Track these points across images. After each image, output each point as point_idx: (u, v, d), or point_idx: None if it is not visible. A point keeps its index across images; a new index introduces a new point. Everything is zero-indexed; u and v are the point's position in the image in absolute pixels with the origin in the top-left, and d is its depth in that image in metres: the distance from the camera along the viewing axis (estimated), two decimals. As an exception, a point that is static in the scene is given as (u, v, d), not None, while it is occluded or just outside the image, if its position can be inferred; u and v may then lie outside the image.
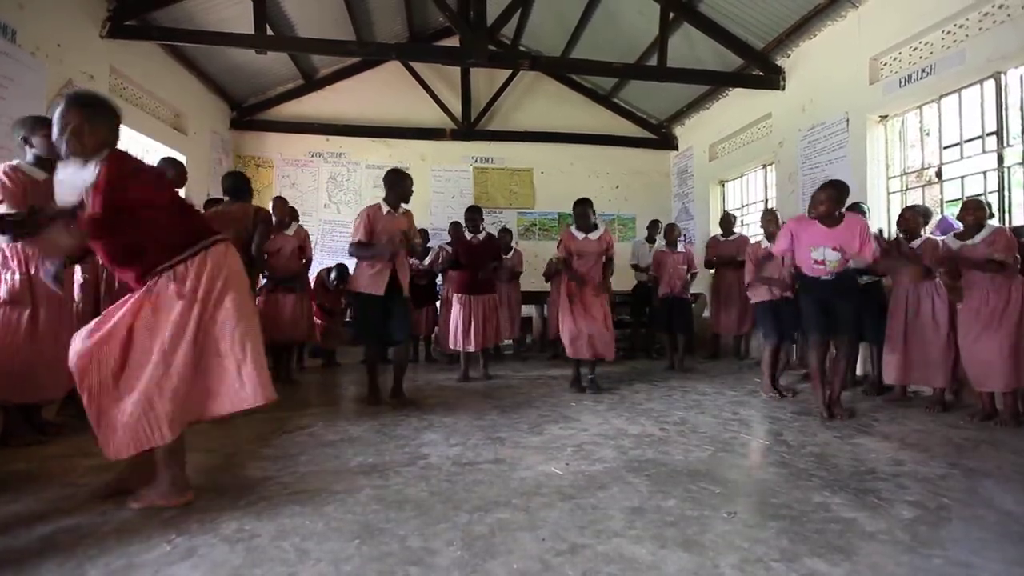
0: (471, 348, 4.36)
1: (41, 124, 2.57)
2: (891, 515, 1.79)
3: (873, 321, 3.74)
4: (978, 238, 3.13)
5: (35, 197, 2.48)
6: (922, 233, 3.57)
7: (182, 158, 5.96)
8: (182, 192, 3.81)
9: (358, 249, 3.45)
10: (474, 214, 4.54)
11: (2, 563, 1.46)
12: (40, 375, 2.53)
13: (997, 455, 2.47)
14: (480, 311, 4.36)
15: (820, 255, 3.18)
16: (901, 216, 3.64)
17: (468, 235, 4.49)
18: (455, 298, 4.47)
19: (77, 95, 1.83)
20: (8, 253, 2.52)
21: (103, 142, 1.78)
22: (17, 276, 2.49)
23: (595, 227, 4.00)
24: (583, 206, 3.99)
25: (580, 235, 3.97)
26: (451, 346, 4.52)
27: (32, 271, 2.53)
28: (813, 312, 3.25)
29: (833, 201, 3.14)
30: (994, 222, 3.35)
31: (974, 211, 3.16)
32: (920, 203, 4.20)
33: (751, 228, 6.48)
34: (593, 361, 4.00)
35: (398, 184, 3.60)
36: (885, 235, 3.62)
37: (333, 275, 5.46)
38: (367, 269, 3.44)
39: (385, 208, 3.55)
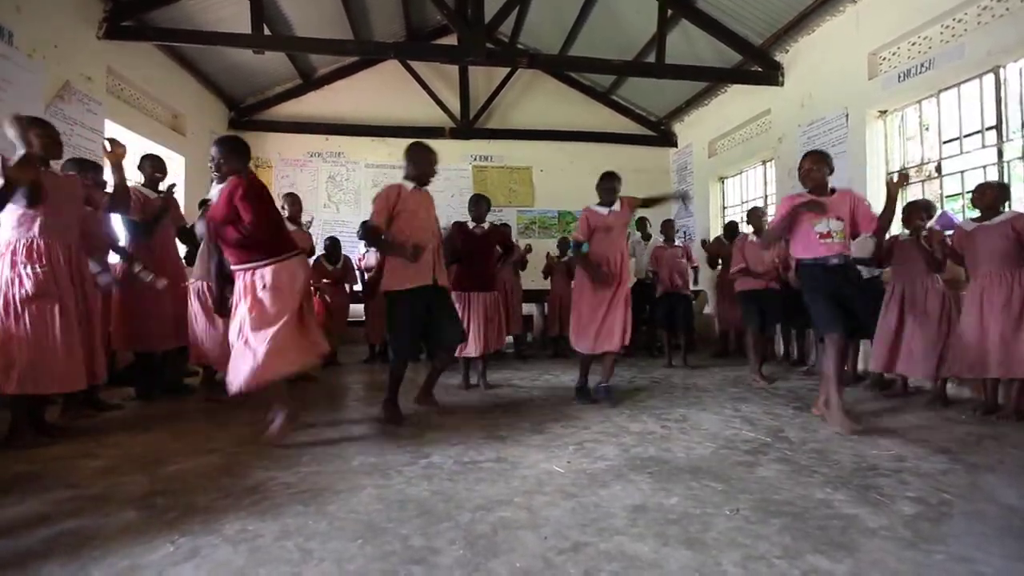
0: (471, 353, 3.90)
1: (33, 124, 2.58)
2: (893, 511, 1.79)
3: (873, 317, 3.74)
4: (995, 221, 3.07)
5: None
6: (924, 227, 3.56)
7: (180, 159, 6.02)
8: (178, 189, 3.89)
9: (371, 237, 2.99)
10: (479, 203, 4.05)
11: (6, 564, 1.46)
12: (62, 366, 2.56)
13: (999, 449, 2.47)
14: (481, 311, 3.90)
15: (824, 227, 2.91)
16: (904, 212, 3.63)
17: (471, 225, 4.03)
18: (453, 296, 3.94)
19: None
20: (31, 247, 2.52)
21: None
22: (38, 269, 2.51)
23: (613, 203, 3.61)
24: (611, 180, 3.60)
25: (604, 210, 3.57)
26: (464, 352, 3.97)
27: (56, 262, 2.56)
28: (826, 308, 2.87)
29: (819, 164, 2.97)
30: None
31: (992, 192, 3.10)
32: (921, 198, 4.19)
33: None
34: (611, 364, 3.58)
35: (421, 159, 3.12)
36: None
37: (327, 244, 5.50)
38: (396, 263, 3.00)
39: (410, 185, 3.10)
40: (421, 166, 3.11)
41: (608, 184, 3.59)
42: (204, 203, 4.56)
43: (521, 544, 1.57)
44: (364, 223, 2.98)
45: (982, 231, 3.10)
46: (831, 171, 3.03)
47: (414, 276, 2.98)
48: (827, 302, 2.87)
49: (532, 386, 4.24)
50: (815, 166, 2.99)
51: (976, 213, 3.25)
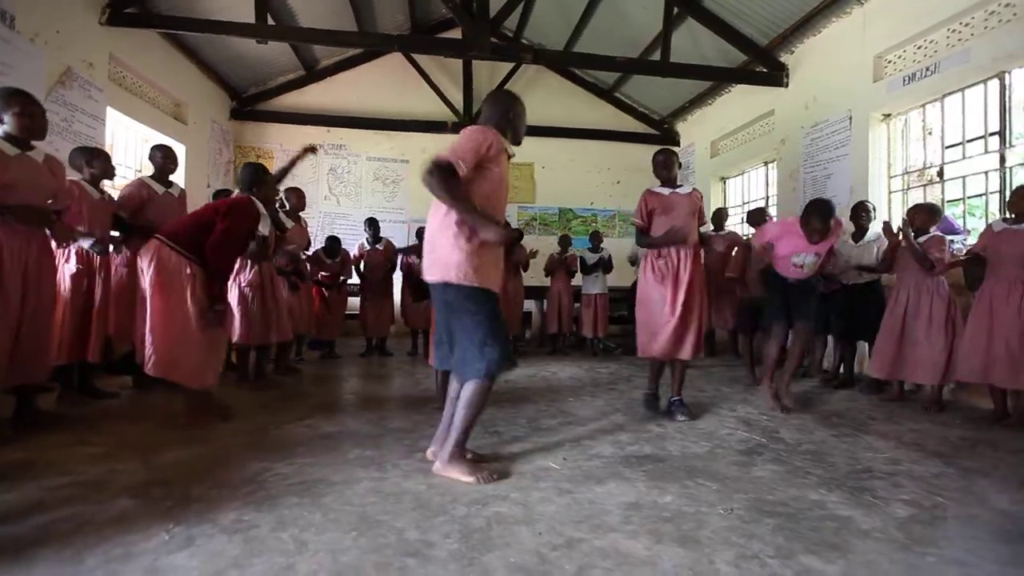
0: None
1: (12, 99, 2.43)
2: (886, 513, 1.80)
3: (871, 320, 3.74)
4: None
5: (1, 173, 2.34)
6: (930, 230, 3.53)
7: (181, 148, 6.00)
8: (178, 177, 3.84)
9: (448, 181, 1.88)
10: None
11: (0, 550, 1.46)
12: (14, 360, 2.41)
13: (994, 455, 2.48)
14: None
15: (800, 261, 3.23)
16: (909, 213, 3.59)
17: None
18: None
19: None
20: None
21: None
22: None
23: (680, 185, 3.17)
24: (666, 154, 3.15)
25: (664, 190, 3.11)
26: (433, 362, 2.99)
27: (4, 256, 2.37)
28: (777, 303, 3.35)
29: (825, 220, 3.07)
30: None
31: None
32: (925, 201, 4.15)
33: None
34: (681, 372, 3.16)
35: (518, 113, 2.16)
36: (894, 227, 3.54)
37: (327, 242, 5.48)
38: (484, 250, 1.98)
39: (509, 146, 2.12)
40: (518, 122, 2.15)
41: (662, 157, 3.13)
42: (219, 193, 4.54)
43: (516, 539, 1.58)
44: (437, 162, 1.89)
45: (1008, 234, 3.02)
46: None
47: (495, 278, 2.06)
48: (777, 298, 3.38)
49: (529, 383, 4.25)
50: (823, 227, 3.07)
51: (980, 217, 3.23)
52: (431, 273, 2.02)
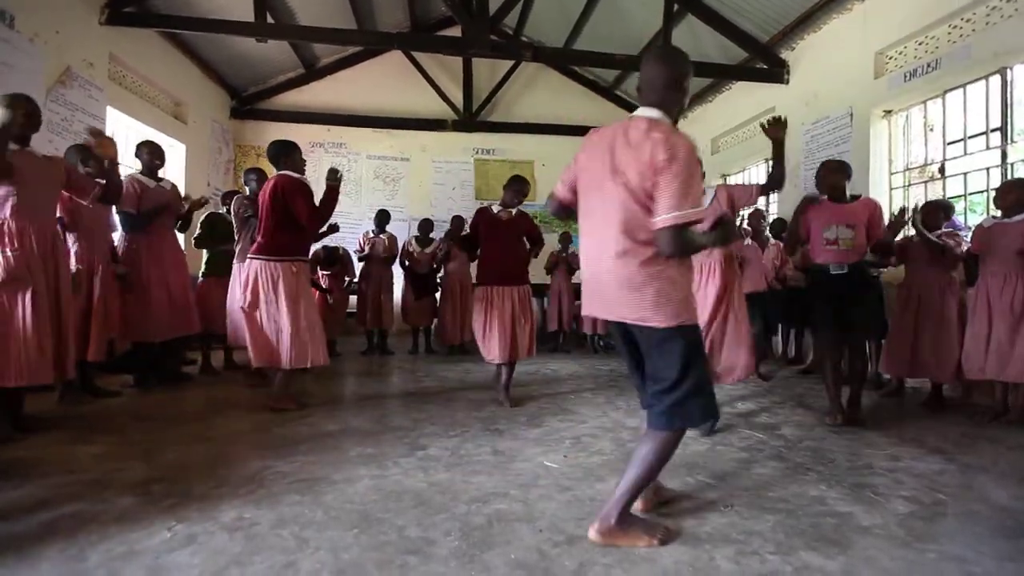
0: (495, 359, 3.31)
1: (16, 102, 2.48)
2: (886, 509, 1.80)
3: (871, 315, 3.70)
4: (1015, 219, 2.97)
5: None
6: (942, 227, 3.48)
7: (182, 147, 6.00)
8: (178, 176, 3.85)
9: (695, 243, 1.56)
10: (520, 184, 3.42)
11: (4, 548, 1.47)
12: (29, 358, 2.38)
13: (993, 451, 2.48)
14: (508, 308, 3.30)
15: (833, 234, 2.96)
16: (921, 213, 3.47)
17: (495, 209, 3.43)
18: (478, 292, 3.41)
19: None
20: (2, 229, 2.38)
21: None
22: (9, 253, 2.38)
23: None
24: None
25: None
26: (489, 356, 3.36)
27: (29, 246, 2.42)
28: (825, 312, 3.02)
29: (833, 172, 3.00)
30: None
31: (1016, 191, 3.00)
32: (940, 198, 4.08)
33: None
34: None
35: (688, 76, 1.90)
36: (908, 214, 3.31)
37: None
38: (685, 278, 1.62)
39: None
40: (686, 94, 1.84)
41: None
42: (226, 195, 4.53)
43: (516, 536, 1.58)
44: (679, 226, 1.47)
45: (999, 227, 3.02)
46: (848, 178, 3.04)
47: (695, 306, 1.66)
48: (824, 306, 3.03)
49: (530, 380, 4.25)
50: (833, 174, 3.01)
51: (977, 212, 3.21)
52: (615, 313, 1.60)
